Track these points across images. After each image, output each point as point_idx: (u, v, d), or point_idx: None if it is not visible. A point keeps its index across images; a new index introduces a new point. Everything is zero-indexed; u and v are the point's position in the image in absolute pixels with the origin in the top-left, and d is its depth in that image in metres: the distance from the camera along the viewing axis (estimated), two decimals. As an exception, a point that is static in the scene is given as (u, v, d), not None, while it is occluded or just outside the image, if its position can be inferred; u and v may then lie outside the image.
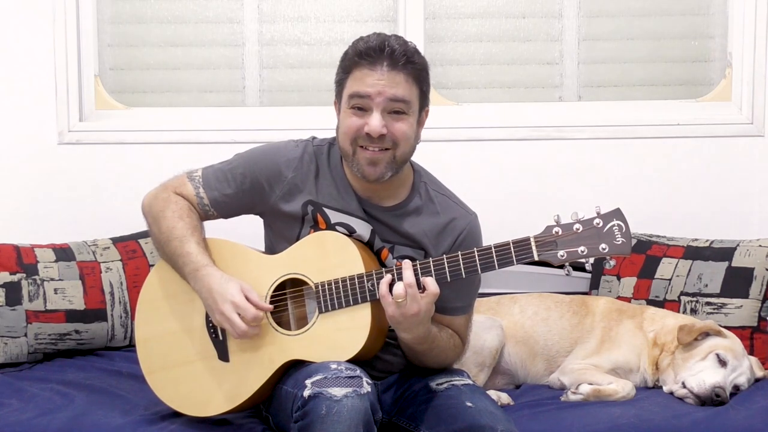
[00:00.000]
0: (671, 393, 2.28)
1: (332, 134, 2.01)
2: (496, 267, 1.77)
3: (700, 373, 2.23)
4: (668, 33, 3.04)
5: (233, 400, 1.94)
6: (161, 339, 2.02)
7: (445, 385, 1.94)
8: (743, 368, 2.29)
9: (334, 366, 1.76)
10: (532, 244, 1.74)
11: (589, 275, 2.83)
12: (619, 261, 2.58)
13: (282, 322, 1.93)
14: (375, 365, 1.96)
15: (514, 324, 2.50)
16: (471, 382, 2.00)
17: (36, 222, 2.91)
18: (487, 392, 2.15)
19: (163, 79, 3.09)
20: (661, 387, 2.34)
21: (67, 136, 2.93)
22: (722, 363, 2.25)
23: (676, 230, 2.78)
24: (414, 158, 1.98)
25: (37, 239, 2.69)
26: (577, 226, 1.72)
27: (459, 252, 1.80)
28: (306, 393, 1.70)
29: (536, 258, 1.75)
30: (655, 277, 2.65)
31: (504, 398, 2.27)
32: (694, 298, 2.56)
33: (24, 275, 2.54)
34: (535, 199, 2.94)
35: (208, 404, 1.96)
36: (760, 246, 2.56)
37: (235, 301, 1.85)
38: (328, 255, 1.90)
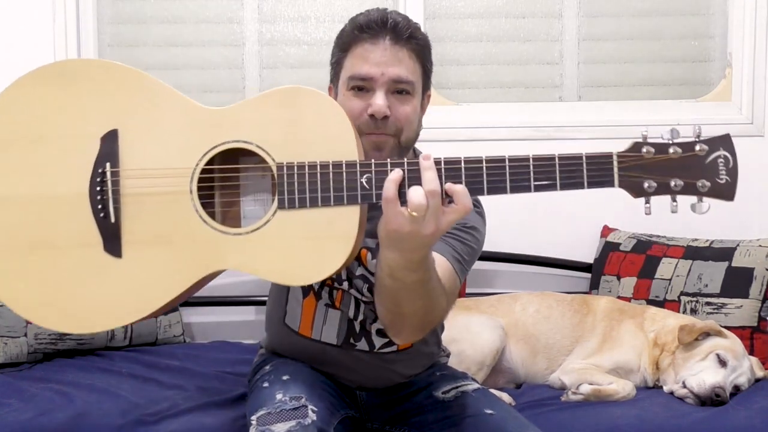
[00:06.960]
0: (671, 393, 2.27)
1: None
2: (558, 186, 1.28)
3: (700, 373, 2.23)
4: (668, 33, 3.04)
5: (121, 317, 1.37)
6: (14, 204, 1.39)
7: (453, 393, 1.81)
8: (743, 368, 2.29)
9: (279, 397, 1.63)
10: (614, 162, 1.31)
11: (589, 275, 2.84)
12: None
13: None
14: (368, 375, 1.82)
15: (515, 322, 2.50)
16: (478, 386, 1.88)
17: (36, 222, 2.90)
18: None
19: (163, 79, 3.05)
20: (661, 387, 2.34)
21: (67, 136, 2.93)
22: (722, 363, 2.25)
23: (676, 230, 2.77)
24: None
25: (37, 239, 2.68)
26: (674, 148, 1.31)
27: (506, 155, 1.30)
28: None
29: (616, 185, 1.30)
30: (655, 277, 2.65)
31: (505, 398, 2.26)
32: (694, 298, 2.56)
33: (24, 275, 2.53)
34: (535, 199, 2.93)
35: (81, 315, 1.38)
36: (760, 246, 2.56)
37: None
38: (304, 122, 1.36)
